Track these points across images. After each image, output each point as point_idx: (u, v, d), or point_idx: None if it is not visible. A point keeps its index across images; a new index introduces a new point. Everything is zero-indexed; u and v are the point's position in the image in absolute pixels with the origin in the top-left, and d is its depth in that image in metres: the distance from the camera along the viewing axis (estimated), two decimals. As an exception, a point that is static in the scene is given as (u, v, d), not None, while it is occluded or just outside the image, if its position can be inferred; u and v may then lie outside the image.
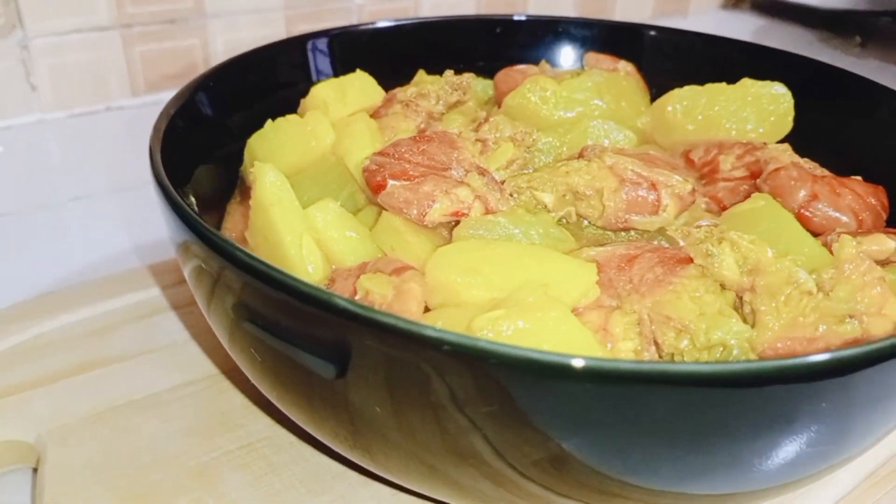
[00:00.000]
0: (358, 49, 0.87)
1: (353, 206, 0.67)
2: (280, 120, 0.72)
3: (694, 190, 0.66)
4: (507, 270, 0.54)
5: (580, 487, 0.48)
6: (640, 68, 0.95)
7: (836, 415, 0.44)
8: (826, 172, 0.76)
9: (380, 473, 0.56)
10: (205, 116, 0.71)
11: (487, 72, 0.95)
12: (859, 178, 0.76)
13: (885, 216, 0.72)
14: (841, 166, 0.80)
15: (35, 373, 0.76)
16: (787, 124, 0.80)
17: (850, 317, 0.53)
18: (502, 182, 0.65)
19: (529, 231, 0.62)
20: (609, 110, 0.82)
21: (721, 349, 0.52)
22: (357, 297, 0.54)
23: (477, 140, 0.67)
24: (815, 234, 0.69)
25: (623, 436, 0.43)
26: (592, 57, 0.94)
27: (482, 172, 0.64)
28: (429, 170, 0.63)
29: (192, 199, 0.63)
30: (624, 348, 0.53)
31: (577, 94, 0.81)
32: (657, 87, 0.93)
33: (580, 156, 0.69)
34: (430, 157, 0.64)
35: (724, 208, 0.74)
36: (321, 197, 0.67)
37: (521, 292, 0.52)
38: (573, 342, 0.49)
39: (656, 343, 0.54)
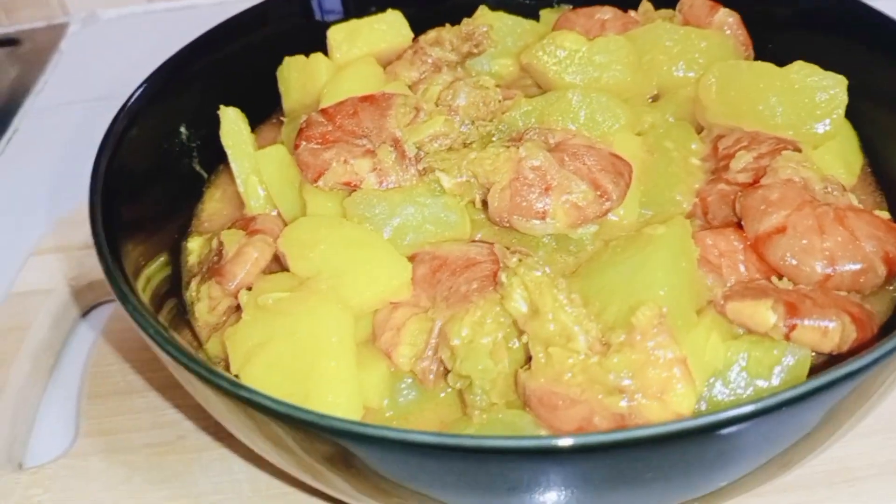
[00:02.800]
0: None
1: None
2: (291, 58, 0.79)
3: (603, 201, 0.59)
4: (330, 253, 0.58)
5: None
6: (751, 21, 0.79)
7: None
8: (848, 200, 0.61)
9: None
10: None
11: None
12: (885, 214, 0.59)
13: (885, 270, 0.56)
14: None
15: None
16: (836, 125, 0.64)
17: (621, 392, 0.47)
18: (417, 157, 0.65)
19: (418, 212, 0.63)
20: (633, 79, 0.73)
21: (468, 382, 0.51)
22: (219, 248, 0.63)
23: (414, 108, 0.67)
24: (771, 273, 0.58)
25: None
26: (687, 2, 0.82)
27: (395, 145, 0.65)
28: (344, 135, 0.66)
29: (183, 130, 0.75)
30: (402, 353, 0.55)
31: (597, 57, 0.73)
32: (766, 50, 0.78)
33: (520, 138, 0.65)
34: (357, 122, 0.67)
35: (707, 214, 0.65)
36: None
37: (317, 279, 0.56)
38: (321, 337, 0.53)
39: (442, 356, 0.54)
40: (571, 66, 0.73)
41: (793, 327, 0.50)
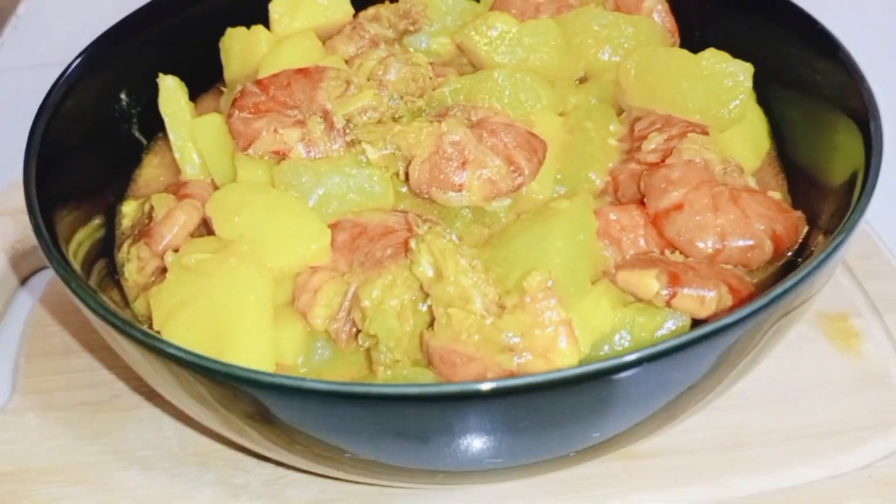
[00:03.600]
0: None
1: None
2: (233, 30, 0.81)
3: (516, 176, 0.63)
4: (253, 218, 0.61)
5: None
6: (679, 8, 0.83)
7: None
8: (745, 181, 0.65)
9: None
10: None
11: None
12: (777, 195, 0.64)
13: (772, 248, 0.61)
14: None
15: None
16: (740, 109, 0.68)
17: (511, 350, 0.51)
18: (346, 128, 0.68)
19: (343, 182, 0.66)
20: (560, 61, 0.76)
21: (375, 341, 0.54)
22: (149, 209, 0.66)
23: (346, 81, 0.70)
24: (668, 247, 0.62)
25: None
26: (618, -13, 0.85)
27: (325, 116, 0.68)
28: (276, 106, 0.69)
29: (123, 97, 0.77)
30: (317, 313, 0.58)
31: (526, 39, 0.76)
32: (693, 37, 0.81)
33: (445, 114, 0.69)
34: (289, 93, 0.70)
35: (617, 191, 0.69)
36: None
37: (239, 242, 0.59)
38: (238, 297, 0.56)
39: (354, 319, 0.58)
40: (501, 47, 0.76)
41: (673, 295, 0.54)
